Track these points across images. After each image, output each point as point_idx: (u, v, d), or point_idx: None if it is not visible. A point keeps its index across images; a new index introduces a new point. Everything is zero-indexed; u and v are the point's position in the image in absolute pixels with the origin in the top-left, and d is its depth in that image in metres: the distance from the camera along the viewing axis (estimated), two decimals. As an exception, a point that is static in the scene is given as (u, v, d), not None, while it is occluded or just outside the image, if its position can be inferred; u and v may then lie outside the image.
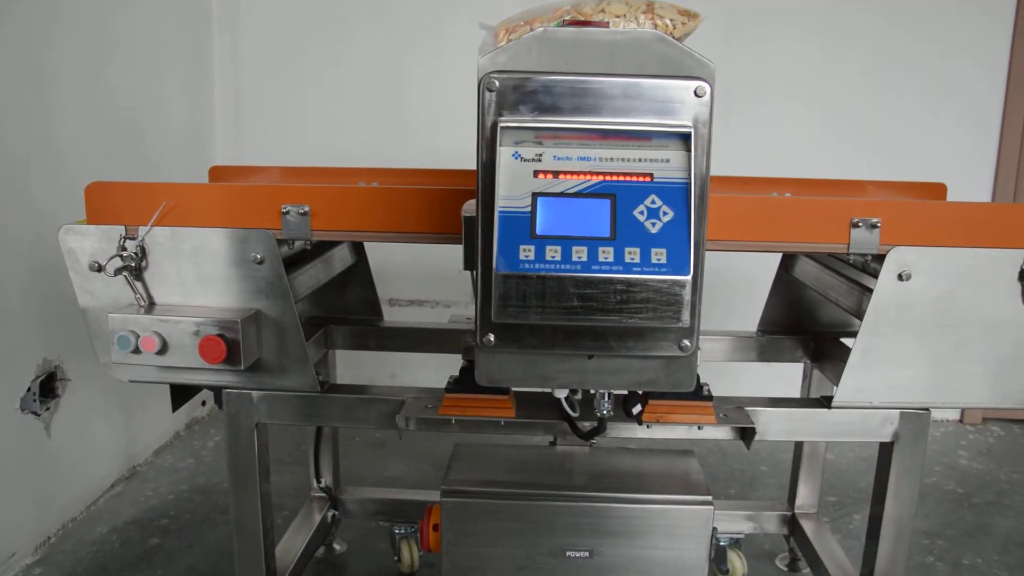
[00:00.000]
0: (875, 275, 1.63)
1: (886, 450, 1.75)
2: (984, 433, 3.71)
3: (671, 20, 1.50)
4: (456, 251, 1.43)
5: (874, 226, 1.59)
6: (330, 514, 2.43)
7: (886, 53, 3.54)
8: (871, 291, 1.62)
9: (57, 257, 1.68)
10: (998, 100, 3.56)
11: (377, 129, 3.69)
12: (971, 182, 3.61)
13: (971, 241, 1.59)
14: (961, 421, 3.83)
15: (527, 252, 1.26)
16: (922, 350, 1.64)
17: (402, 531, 2.30)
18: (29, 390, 2.50)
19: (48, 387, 2.60)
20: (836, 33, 3.53)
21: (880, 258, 1.60)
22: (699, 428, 1.68)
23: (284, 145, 3.73)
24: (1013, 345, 1.64)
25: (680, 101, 1.28)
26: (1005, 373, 1.66)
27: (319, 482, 2.42)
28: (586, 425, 1.67)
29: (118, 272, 1.62)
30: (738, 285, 3.42)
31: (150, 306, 1.66)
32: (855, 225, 1.59)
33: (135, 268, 1.64)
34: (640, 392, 1.61)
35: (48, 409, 2.59)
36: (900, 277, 1.59)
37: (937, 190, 2.10)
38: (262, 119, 3.74)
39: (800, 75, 3.57)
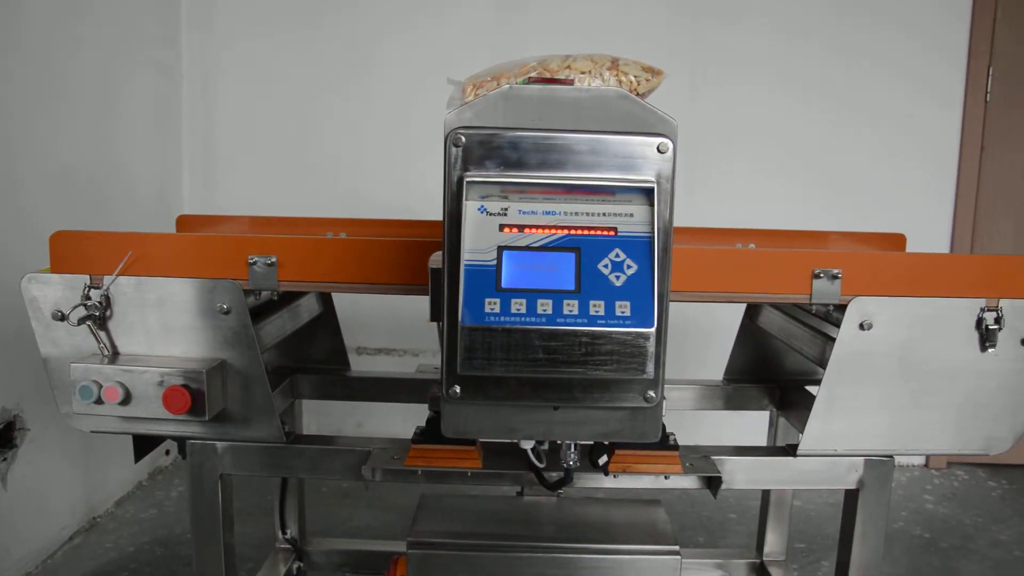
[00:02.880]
0: (837, 324, 1.65)
1: (851, 497, 1.76)
2: (949, 478, 3.74)
3: (635, 77, 1.53)
4: (424, 299, 1.43)
5: (835, 277, 1.62)
6: (295, 566, 2.39)
7: (848, 105, 3.63)
8: (834, 340, 1.65)
9: (17, 304, 1.66)
10: (953, 155, 3.65)
11: (346, 178, 3.71)
12: (930, 232, 3.68)
13: (930, 291, 1.63)
14: (926, 466, 3.86)
15: (492, 305, 1.26)
16: (884, 398, 1.67)
17: (368, 583, 2.28)
18: (-13, 440, 2.46)
19: (6, 437, 2.55)
20: (799, 87, 3.62)
21: (842, 308, 1.63)
22: (666, 478, 1.68)
23: (252, 194, 3.72)
24: (973, 392, 1.67)
25: (643, 157, 1.30)
26: (966, 420, 1.69)
27: (284, 533, 2.39)
28: (553, 475, 1.67)
29: (81, 321, 1.61)
30: (713, 332, 3.45)
31: (114, 356, 1.65)
32: (817, 276, 1.62)
33: (99, 317, 1.63)
34: (606, 443, 1.62)
35: (5, 459, 2.54)
36: (861, 326, 1.62)
37: (897, 241, 2.15)
38: (230, 168, 3.74)
39: (763, 124, 3.65)
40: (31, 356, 1.77)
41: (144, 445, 1.82)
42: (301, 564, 2.42)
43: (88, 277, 1.63)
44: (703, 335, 3.46)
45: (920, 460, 3.88)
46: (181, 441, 1.73)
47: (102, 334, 1.64)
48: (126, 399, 1.58)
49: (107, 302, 1.63)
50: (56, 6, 2.73)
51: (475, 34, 3.61)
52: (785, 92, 3.62)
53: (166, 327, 1.64)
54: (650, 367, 1.29)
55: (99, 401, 1.57)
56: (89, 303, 1.62)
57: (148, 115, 3.42)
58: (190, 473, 1.73)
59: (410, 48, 3.62)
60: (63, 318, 1.63)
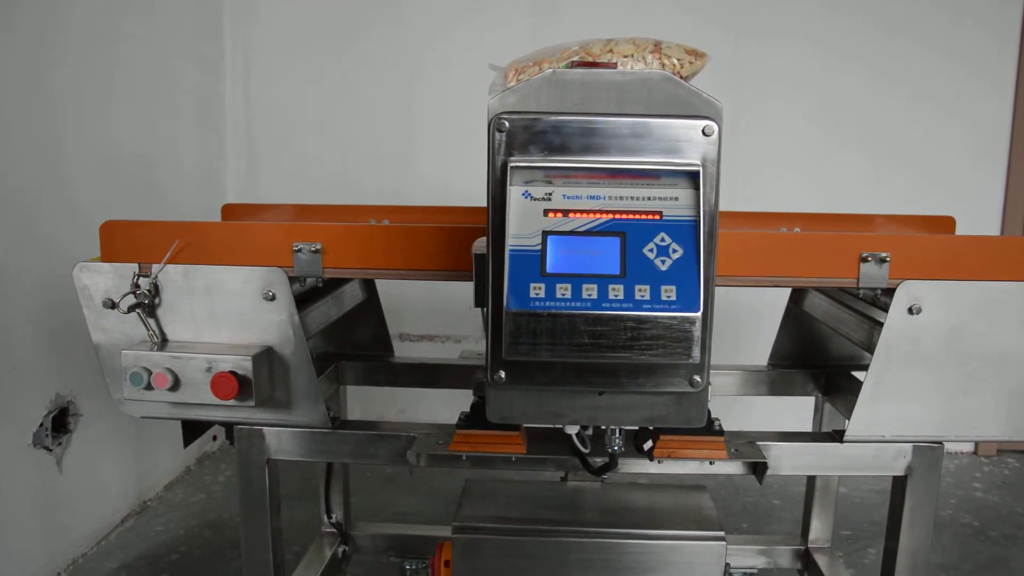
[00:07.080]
0: (885, 309, 1.62)
1: (899, 484, 1.73)
2: (999, 465, 3.67)
3: (678, 60, 1.52)
4: (467, 286, 1.43)
5: (883, 260, 1.59)
6: (341, 549, 2.42)
7: (896, 89, 3.56)
8: (881, 325, 1.62)
9: (70, 294, 1.70)
10: (1005, 135, 3.57)
11: (388, 166, 3.72)
12: (980, 216, 3.61)
13: (981, 274, 1.59)
14: (975, 453, 3.80)
15: (537, 290, 1.26)
16: (934, 383, 1.64)
17: (413, 567, 2.29)
18: (41, 425, 2.51)
19: (60, 422, 2.61)
20: (843, 69, 3.56)
21: (890, 292, 1.60)
22: (711, 463, 1.67)
23: (295, 184, 3.76)
24: (1025, 378, 1.64)
25: (688, 140, 1.29)
26: (1017, 406, 1.65)
27: (330, 517, 2.42)
28: (597, 461, 1.67)
29: (131, 309, 1.63)
30: (755, 316, 3.42)
31: (163, 343, 1.67)
32: (864, 259, 1.59)
33: (148, 305, 1.65)
34: (651, 428, 1.61)
35: (60, 444, 2.60)
36: (910, 311, 1.59)
37: (946, 223, 2.10)
38: (274, 156, 3.77)
39: (806, 133, 3.61)
40: (83, 344, 1.81)
41: (193, 430, 1.85)
42: (346, 548, 2.45)
43: (137, 266, 1.65)
44: (753, 318, 3.43)
45: (969, 447, 3.81)
46: (229, 427, 1.76)
47: (151, 321, 1.66)
48: (175, 385, 1.60)
49: (156, 290, 1.65)
50: (101, 2, 2.77)
51: (516, 20, 3.60)
52: (826, 70, 3.56)
53: (213, 314, 1.66)
54: (696, 352, 1.28)
55: (149, 387, 1.60)
56: (138, 291, 1.64)
57: (193, 108, 3.47)
58: (238, 458, 1.76)
59: (451, 35, 3.62)
60: (113, 306, 1.65)
